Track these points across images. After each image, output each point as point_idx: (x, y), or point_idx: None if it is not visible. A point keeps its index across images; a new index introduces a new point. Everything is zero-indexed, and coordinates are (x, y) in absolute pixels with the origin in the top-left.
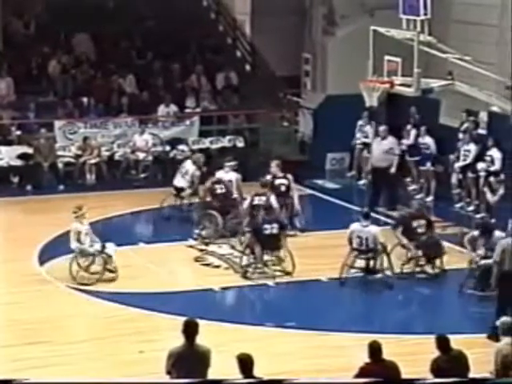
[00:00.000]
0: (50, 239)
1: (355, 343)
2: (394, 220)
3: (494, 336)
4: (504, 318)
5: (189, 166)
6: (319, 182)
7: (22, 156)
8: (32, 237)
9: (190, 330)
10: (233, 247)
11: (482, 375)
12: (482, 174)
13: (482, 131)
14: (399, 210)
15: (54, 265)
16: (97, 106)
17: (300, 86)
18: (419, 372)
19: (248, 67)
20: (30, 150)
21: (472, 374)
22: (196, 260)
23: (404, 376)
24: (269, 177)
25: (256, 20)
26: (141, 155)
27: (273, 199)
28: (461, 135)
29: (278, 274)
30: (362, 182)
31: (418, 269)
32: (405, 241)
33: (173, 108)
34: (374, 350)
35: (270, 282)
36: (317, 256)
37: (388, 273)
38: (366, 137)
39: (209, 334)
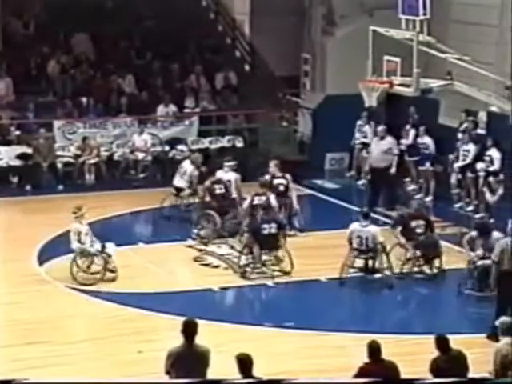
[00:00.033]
0: (49, 239)
1: (354, 343)
2: (392, 220)
3: (494, 336)
4: (503, 318)
5: (187, 166)
6: (318, 182)
7: (21, 156)
8: (31, 237)
9: (189, 330)
10: (232, 247)
11: (481, 375)
12: (482, 173)
13: (481, 131)
14: (398, 210)
15: (53, 265)
16: (96, 105)
17: (299, 86)
18: (418, 372)
19: (247, 67)
20: (29, 150)
21: (471, 374)
22: (195, 260)
23: (403, 376)
24: (267, 177)
25: (255, 20)
26: (140, 155)
27: (273, 199)
28: (460, 135)
29: (276, 273)
30: (361, 182)
31: (416, 269)
32: (403, 240)
33: (172, 108)
34: (373, 349)
35: (270, 282)
36: (316, 256)
37: (387, 272)
38: (365, 137)
39: (208, 334)
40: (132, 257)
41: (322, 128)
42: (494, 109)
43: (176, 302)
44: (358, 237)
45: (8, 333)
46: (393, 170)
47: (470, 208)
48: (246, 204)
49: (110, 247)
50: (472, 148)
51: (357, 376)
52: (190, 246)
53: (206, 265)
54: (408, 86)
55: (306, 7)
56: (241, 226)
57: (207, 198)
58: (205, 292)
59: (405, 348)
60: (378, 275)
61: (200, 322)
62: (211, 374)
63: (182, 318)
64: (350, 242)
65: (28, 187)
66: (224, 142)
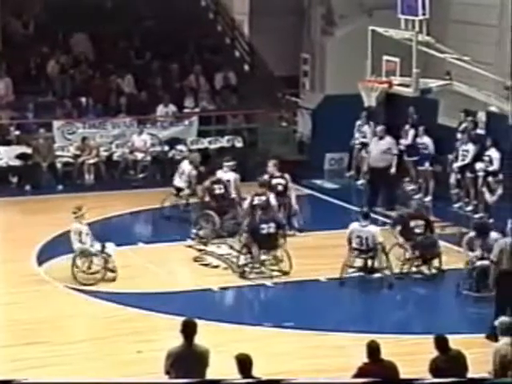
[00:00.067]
0: (48, 239)
1: (353, 343)
2: (392, 219)
3: (493, 336)
4: (502, 318)
5: (185, 166)
6: (318, 182)
7: (20, 156)
8: (31, 237)
9: (189, 330)
10: (231, 247)
11: (480, 375)
12: (481, 174)
13: (480, 131)
14: (398, 210)
15: (52, 265)
16: (95, 106)
17: (298, 86)
18: (418, 372)
19: (246, 67)
20: (28, 150)
21: (470, 374)
22: (195, 260)
23: (402, 376)
24: (266, 176)
25: (254, 20)
26: (139, 155)
27: (272, 198)
28: (459, 135)
29: (275, 273)
30: (360, 182)
31: (414, 269)
32: (401, 240)
33: (171, 108)
34: (373, 349)
35: (269, 282)
36: (315, 256)
37: (386, 272)
38: (365, 137)
39: (207, 334)
40: (132, 257)
41: (321, 128)
42: (493, 109)
43: (175, 302)
44: (358, 237)
45: (7, 333)
46: (393, 170)
47: (470, 208)
48: (246, 204)
49: (110, 247)
50: (471, 148)
51: (356, 376)
52: (189, 246)
53: (206, 265)
54: (407, 86)
55: (305, 7)
56: (240, 226)
57: (206, 198)
58: (204, 292)
59: (404, 348)
60: (377, 275)
61: (199, 321)
62: (210, 374)
63: (182, 318)
64: (350, 242)
65: (27, 187)
66: (223, 142)
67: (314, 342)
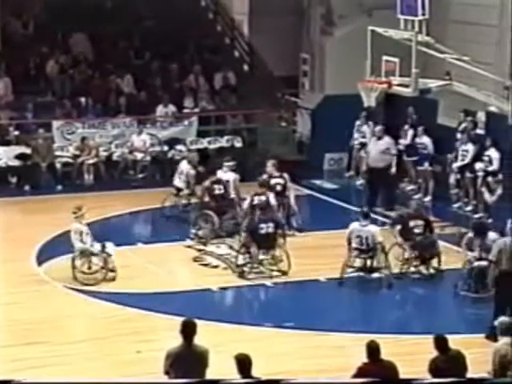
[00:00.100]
0: (48, 239)
1: (353, 343)
2: (391, 219)
3: (492, 336)
4: (502, 318)
5: (184, 166)
6: (317, 182)
7: (20, 156)
8: (30, 237)
9: (188, 330)
10: (231, 247)
11: (480, 375)
12: (480, 174)
13: (480, 131)
14: (397, 210)
15: (52, 265)
16: (95, 106)
17: (298, 86)
18: (417, 372)
19: (246, 67)
20: (28, 151)
21: (470, 374)
22: (194, 260)
23: (402, 376)
24: (265, 176)
25: (254, 20)
26: (139, 155)
27: (272, 198)
28: (459, 135)
29: (274, 273)
30: (359, 182)
31: (413, 269)
32: (400, 240)
33: (171, 108)
34: (372, 350)
35: (268, 282)
36: (315, 256)
37: (385, 272)
38: (364, 137)
39: (207, 334)
40: (131, 257)
41: (320, 128)
42: (492, 109)
43: (175, 302)
44: (358, 236)
45: (7, 333)
46: (393, 170)
47: (469, 208)
48: (245, 204)
49: (110, 247)
50: (471, 148)
51: (356, 376)
52: (189, 246)
53: (205, 265)
54: (407, 86)
55: (304, 7)
56: (239, 226)
57: (206, 198)
58: (204, 292)
59: (404, 348)
60: (376, 274)
61: (199, 322)
62: (210, 374)
63: (181, 318)
64: (349, 242)
65: (27, 187)
66: (223, 142)
67: (314, 342)
